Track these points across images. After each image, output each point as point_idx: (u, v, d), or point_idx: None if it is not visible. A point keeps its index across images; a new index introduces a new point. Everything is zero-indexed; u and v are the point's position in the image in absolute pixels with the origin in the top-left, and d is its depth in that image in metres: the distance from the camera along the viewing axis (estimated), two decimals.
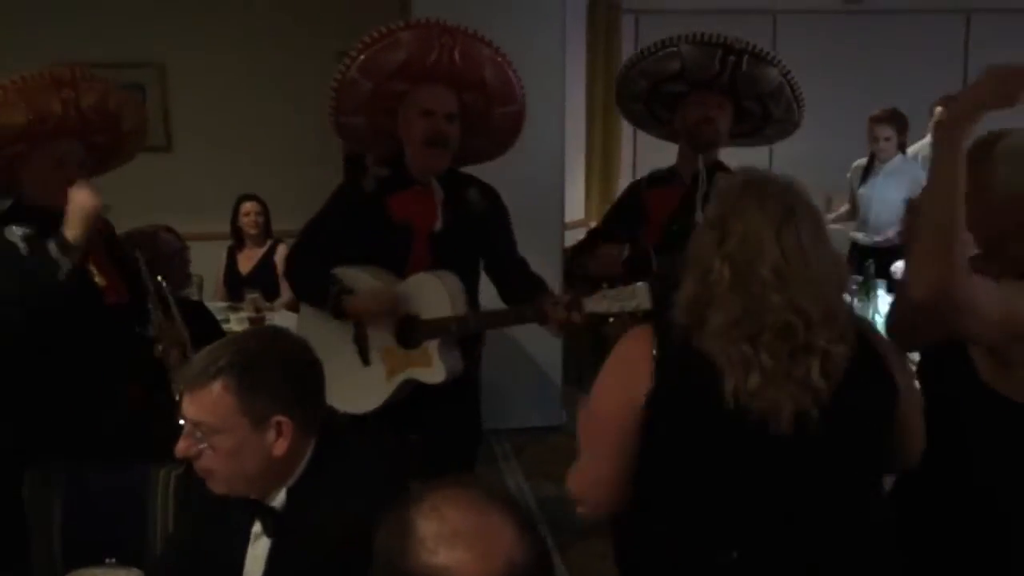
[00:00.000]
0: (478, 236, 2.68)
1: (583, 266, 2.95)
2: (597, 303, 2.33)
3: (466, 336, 2.59)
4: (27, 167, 2.36)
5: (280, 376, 1.49)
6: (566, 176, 4.73)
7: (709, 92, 2.80)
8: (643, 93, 2.94)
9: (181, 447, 1.49)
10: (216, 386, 1.45)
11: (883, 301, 3.52)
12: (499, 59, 2.63)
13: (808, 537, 1.47)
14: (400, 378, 2.55)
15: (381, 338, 2.58)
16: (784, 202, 1.47)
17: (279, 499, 1.54)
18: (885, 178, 4.76)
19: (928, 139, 4.78)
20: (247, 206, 4.76)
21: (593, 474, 1.56)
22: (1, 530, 2.88)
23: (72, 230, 2.20)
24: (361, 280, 2.59)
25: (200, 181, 5.22)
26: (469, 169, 2.80)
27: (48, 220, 2.33)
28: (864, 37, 6.11)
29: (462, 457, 2.71)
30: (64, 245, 2.19)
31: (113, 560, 1.87)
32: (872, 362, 1.49)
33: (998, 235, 1.60)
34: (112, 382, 2.38)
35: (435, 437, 2.64)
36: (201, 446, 1.47)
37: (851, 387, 1.44)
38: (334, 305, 2.53)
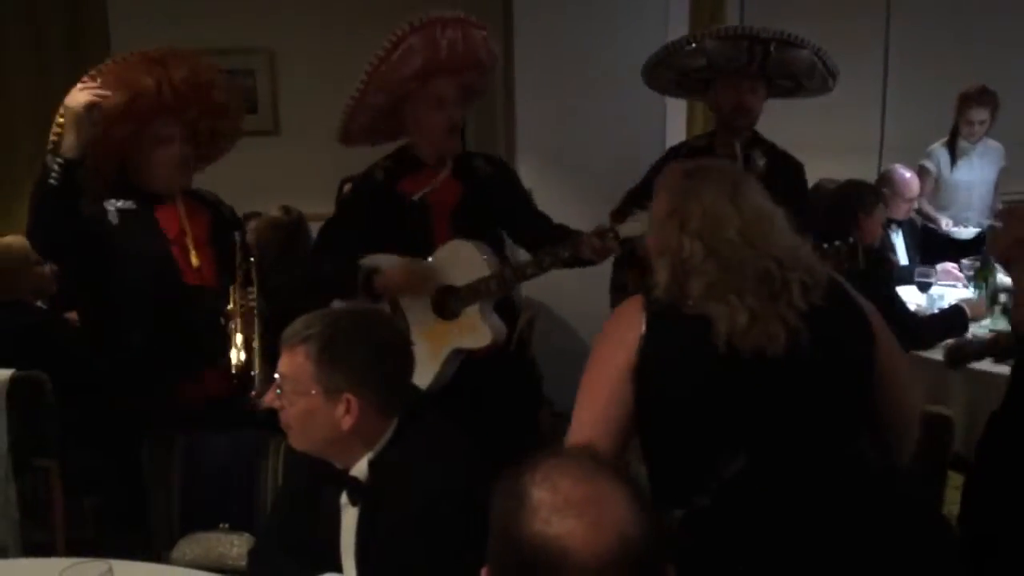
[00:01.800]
0: (494, 203, 2.69)
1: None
2: (630, 227, 2.35)
3: (506, 295, 2.62)
4: (134, 149, 2.47)
5: (360, 356, 1.55)
6: None
7: (741, 77, 2.80)
8: (671, 81, 3.00)
9: (268, 397, 1.60)
10: (301, 350, 1.54)
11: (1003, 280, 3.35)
12: (482, 33, 2.66)
13: (805, 458, 1.52)
14: (446, 350, 2.55)
15: (419, 316, 2.58)
16: (729, 177, 1.66)
17: (362, 470, 1.59)
18: (980, 160, 4.54)
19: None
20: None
21: (582, 439, 1.60)
22: (122, 494, 3.06)
23: (64, 134, 2.26)
24: (388, 261, 2.59)
25: (306, 164, 5.34)
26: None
27: (151, 197, 2.47)
28: (989, 12, 5.79)
29: (516, 436, 2.69)
30: (55, 149, 2.27)
31: (226, 525, 1.96)
32: (849, 306, 1.63)
33: None
34: (186, 368, 2.44)
35: (494, 418, 2.60)
36: (282, 401, 1.56)
37: (832, 318, 1.57)
38: (366, 285, 2.54)
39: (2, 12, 5.26)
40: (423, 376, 2.53)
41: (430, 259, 2.59)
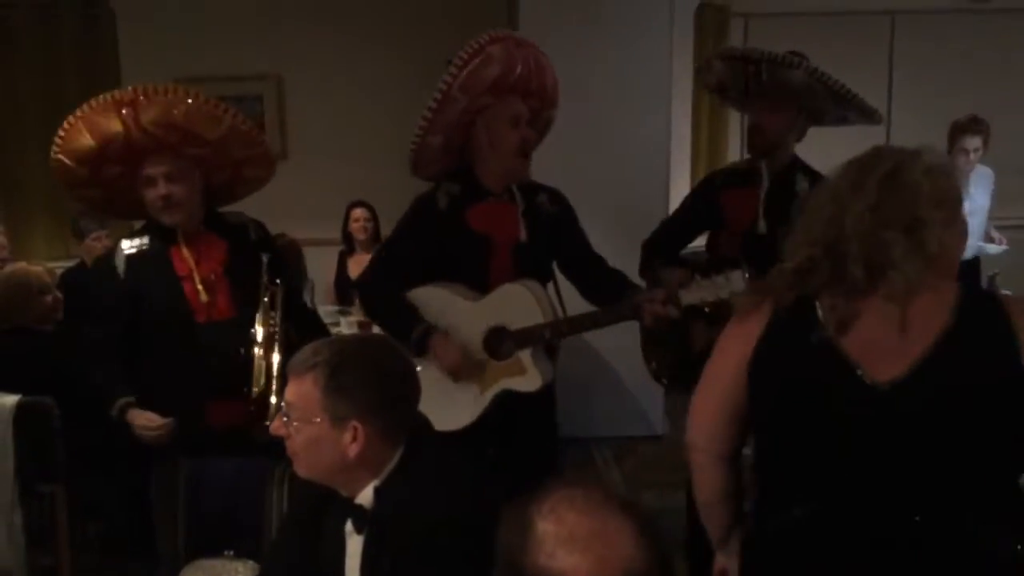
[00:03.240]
0: (554, 241, 2.68)
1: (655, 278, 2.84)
2: (692, 294, 2.35)
3: (556, 341, 2.59)
4: (133, 188, 2.47)
5: (366, 384, 1.55)
6: (671, 180, 4.68)
7: (759, 98, 2.79)
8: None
9: (274, 425, 1.60)
10: (308, 377, 1.54)
11: None
12: (551, 66, 2.67)
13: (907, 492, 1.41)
14: (494, 390, 2.54)
15: (469, 354, 2.56)
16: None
17: (367, 498, 1.59)
18: (975, 188, 4.57)
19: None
20: (357, 212, 4.91)
21: (700, 417, 1.61)
22: (127, 520, 3.05)
23: None
24: (440, 301, 2.56)
25: (314, 188, 5.38)
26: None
27: (167, 232, 2.49)
28: (990, 38, 5.82)
29: (541, 466, 2.66)
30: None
31: (231, 553, 1.95)
32: (991, 317, 1.43)
33: None
34: (199, 399, 2.43)
35: (513, 448, 2.60)
36: (289, 429, 1.56)
37: (962, 336, 1.40)
38: (418, 345, 2.50)
39: (17, 40, 5.33)
40: (469, 413, 2.53)
41: (487, 297, 2.56)
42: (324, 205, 5.06)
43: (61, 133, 2.39)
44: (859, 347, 1.44)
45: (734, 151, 5.93)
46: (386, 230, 4.79)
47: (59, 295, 3.27)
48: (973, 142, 4.48)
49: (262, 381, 2.38)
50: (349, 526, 1.61)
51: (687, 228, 3.02)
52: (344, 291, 4.77)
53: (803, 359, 1.48)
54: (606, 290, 2.62)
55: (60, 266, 4.28)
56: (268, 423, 2.26)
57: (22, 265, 3.40)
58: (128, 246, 2.51)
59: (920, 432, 1.41)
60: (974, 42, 5.81)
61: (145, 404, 2.42)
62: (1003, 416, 1.40)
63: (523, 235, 2.60)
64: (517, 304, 2.53)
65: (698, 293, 2.34)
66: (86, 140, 2.35)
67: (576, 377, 4.34)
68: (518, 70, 2.54)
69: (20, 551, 2.66)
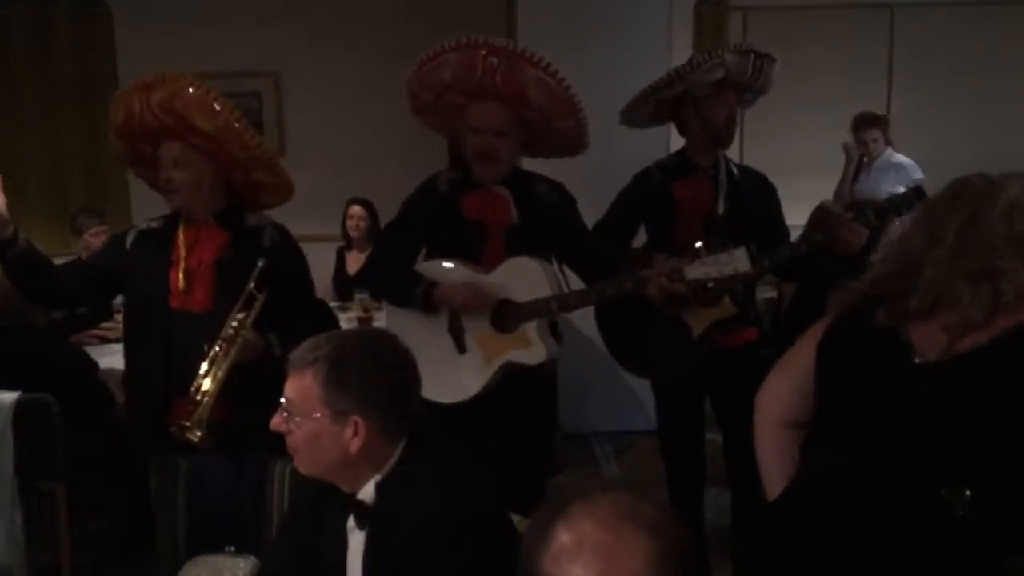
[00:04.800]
0: (551, 228, 2.71)
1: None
2: (696, 270, 2.37)
3: (563, 314, 2.63)
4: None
5: (367, 379, 1.54)
6: None
7: (731, 92, 2.85)
8: (647, 116, 3.05)
9: (275, 421, 1.58)
10: (308, 373, 1.53)
11: None
12: (547, 78, 2.61)
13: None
14: (499, 361, 2.58)
15: (476, 325, 2.61)
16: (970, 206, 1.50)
17: (369, 493, 1.58)
18: (876, 174, 4.96)
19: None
20: (353, 210, 4.90)
21: (772, 387, 1.75)
22: (129, 519, 3.04)
23: None
24: (446, 272, 2.64)
25: (312, 185, 5.35)
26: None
27: (174, 217, 2.54)
28: (988, 31, 5.82)
29: (537, 455, 2.71)
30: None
31: (232, 549, 1.95)
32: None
33: None
34: (163, 390, 2.42)
35: (511, 436, 2.64)
36: (289, 424, 1.55)
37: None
38: (424, 297, 2.58)
39: (14, 36, 5.33)
40: (474, 384, 2.59)
41: (495, 271, 2.61)
42: (323, 201, 5.03)
43: (111, 106, 2.55)
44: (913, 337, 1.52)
45: (733, 148, 5.92)
46: None
47: None
48: (872, 134, 4.90)
49: (205, 383, 2.32)
50: (351, 522, 1.60)
51: (634, 225, 3.01)
52: (343, 287, 4.76)
53: (865, 340, 1.57)
54: (607, 270, 2.61)
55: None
56: (186, 424, 2.23)
57: None
58: (144, 224, 2.61)
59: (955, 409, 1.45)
60: (973, 34, 5.81)
61: (135, 390, 2.48)
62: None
63: (515, 219, 2.66)
64: (524, 278, 2.58)
65: (702, 269, 2.36)
66: (118, 115, 2.52)
67: (576, 373, 4.34)
68: (476, 76, 2.58)
69: (20, 549, 2.66)
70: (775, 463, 1.74)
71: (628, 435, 4.52)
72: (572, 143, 2.81)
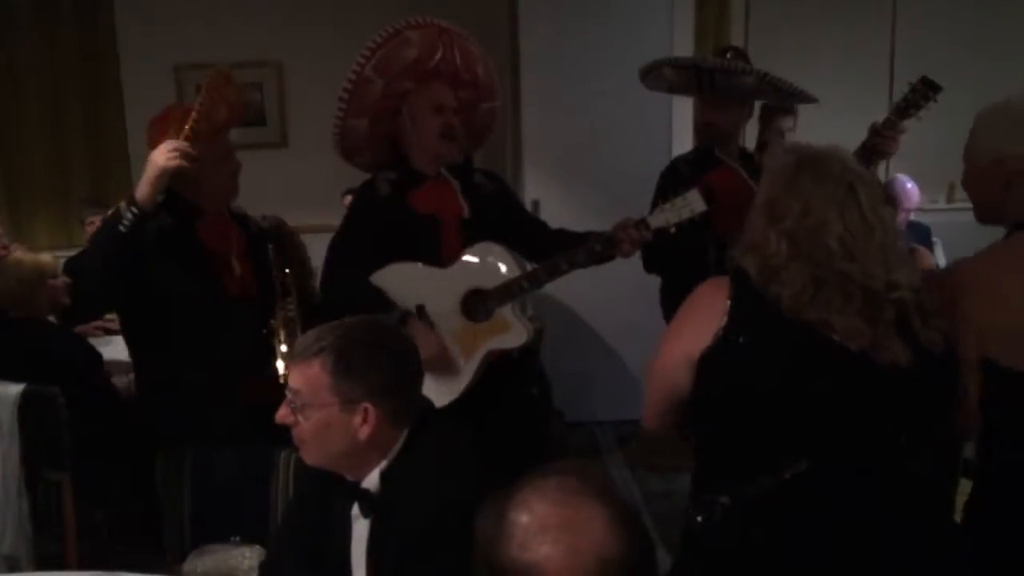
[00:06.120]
0: (499, 217, 2.72)
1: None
2: (658, 218, 2.49)
3: (535, 292, 2.65)
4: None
5: (375, 366, 1.55)
6: None
7: (711, 99, 2.95)
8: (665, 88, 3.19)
9: (281, 413, 1.58)
10: (315, 362, 1.54)
11: None
12: (486, 57, 2.71)
13: (867, 473, 1.49)
14: (481, 352, 2.55)
15: (448, 320, 2.56)
16: (844, 181, 1.50)
17: (373, 482, 1.59)
18: None
19: None
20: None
21: (651, 410, 1.77)
22: (134, 507, 3.06)
23: (140, 186, 2.29)
24: (407, 276, 2.58)
25: (314, 175, 5.37)
26: None
27: (192, 212, 2.50)
28: (992, 18, 5.78)
29: (531, 443, 2.74)
30: (131, 199, 2.30)
31: (237, 538, 1.96)
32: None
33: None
34: (228, 379, 2.44)
35: (500, 430, 2.60)
36: (296, 415, 1.56)
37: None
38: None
39: (17, 29, 5.33)
40: (459, 382, 2.55)
41: (457, 263, 2.59)
42: (324, 192, 5.05)
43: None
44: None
45: None
46: None
47: (67, 279, 3.26)
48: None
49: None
50: (355, 510, 1.62)
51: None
52: None
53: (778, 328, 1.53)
54: (562, 245, 2.62)
55: (63, 255, 4.28)
56: None
57: (28, 252, 3.41)
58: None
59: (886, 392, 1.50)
60: (976, 22, 5.78)
61: (172, 381, 2.45)
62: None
63: (466, 212, 2.67)
64: (487, 264, 2.57)
65: (662, 216, 2.48)
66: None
67: (577, 362, 4.35)
68: (438, 55, 2.59)
69: (27, 538, 2.68)
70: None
71: (630, 423, 4.52)
72: (485, 130, 2.84)
